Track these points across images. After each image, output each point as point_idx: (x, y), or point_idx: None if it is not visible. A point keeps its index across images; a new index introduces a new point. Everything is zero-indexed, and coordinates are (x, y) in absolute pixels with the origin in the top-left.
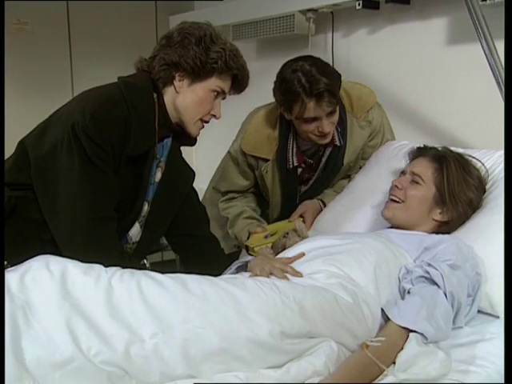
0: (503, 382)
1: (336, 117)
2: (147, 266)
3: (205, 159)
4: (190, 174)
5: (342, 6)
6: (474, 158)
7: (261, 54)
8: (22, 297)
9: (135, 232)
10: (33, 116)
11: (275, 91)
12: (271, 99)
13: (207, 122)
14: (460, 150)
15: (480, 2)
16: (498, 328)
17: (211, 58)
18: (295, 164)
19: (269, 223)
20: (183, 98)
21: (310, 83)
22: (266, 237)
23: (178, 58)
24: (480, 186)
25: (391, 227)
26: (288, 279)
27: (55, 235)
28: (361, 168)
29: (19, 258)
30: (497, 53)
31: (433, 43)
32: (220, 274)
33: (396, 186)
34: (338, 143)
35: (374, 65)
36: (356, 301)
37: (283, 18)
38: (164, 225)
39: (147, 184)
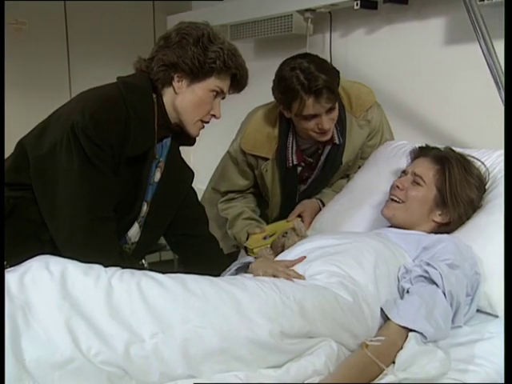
0: (502, 381)
1: (335, 113)
2: (145, 266)
3: (203, 159)
4: (190, 174)
5: (340, 5)
6: (474, 158)
7: (259, 54)
8: (22, 297)
9: (134, 232)
10: (30, 116)
11: (274, 90)
12: (270, 99)
13: (207, 122)
14: (458, 150)
15: (478, 2)
16: (497, 327)
17: (209, 57)
18: (295, 162)
19: (268, 223)
20: (182, 98)
21: (308, 80)
22: (264, 238)
23: (176, 58)
24: (481, 185)
25: (390, 226)
26: (293, 282)
27: (54, 235)
28: (360, 168)
29: (18, 259)
30: (495, 53)
31: (431, 43)
32: (219, 275)
33: (397, 187)
34: (337, 141)
35: (371, 65)
36: (356, 300)
37: (281, 18)
38: (163, 225)
39: (146, 184)
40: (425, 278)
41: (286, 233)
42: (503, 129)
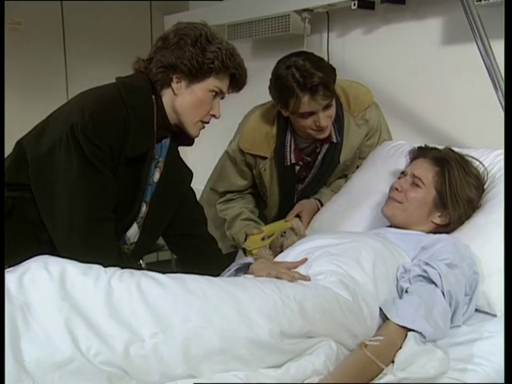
0: (501, 380)
1: (332, 110)
2: (143, 266)
3: (201, 159)
4: (188, 174)
5: (338, 6)
6: (472, 157)
7: (256, 54)
8: (21, 298)
9: (133, 233)
10: (27, 116)
11: (271, 88)
12: (267, 99)
13: (207, 122)
14: (456, 150)
15: (475, 2)
16: (496, 326)
17: (208, 58)
18: (293, 161)
19: (266, 223)
20: (182, 99)
21: (303, 78)
22: (263, 239)
23: (174, 59)
24: (479, 185)
25: (389, 226)
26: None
27: (53, 236)
28: (358, 167)
29: (17, 259)
30: (492, 53)
31: (428, 43)
32: (218, 275)
33: (396, 189)
34: (334, 140)
35: (369, 65)
36: (355, 299)
37: (278, 18)
38: (162, 225)
39: (145, 185)
40: (424, 277)
41: (285, 232)
42: (500, 129)
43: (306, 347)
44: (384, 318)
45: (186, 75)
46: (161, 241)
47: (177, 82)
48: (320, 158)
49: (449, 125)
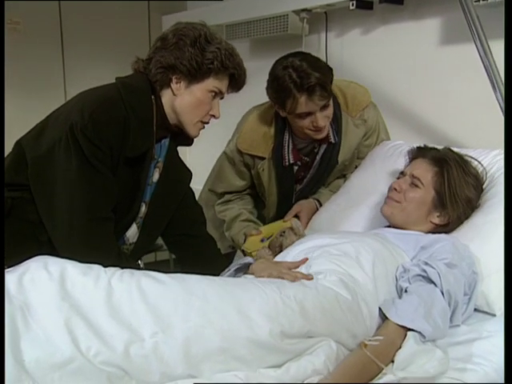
0: (500, 380)
1: (330, 111)
2: (141, 266)
3: (199, 160)
4: (188, 174)
5: (336, 6)
6: (471, 157)
7: (254, 54)
8: (21, 298)
9: (132, 233)
10: (25, 116)
11: (268, 89)
12: (265, 99)
13: (207, 122)
14: (455, 150)
15: (474, 3)
16: (495, 326)
17: (207, 58)
18: (291, 161)
19: (265, 223)
20: (181, 100)
21: (300, 78)
22: (262, 240)
23: (173, 60)
24: (478, 185)
25: (388, 226)
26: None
27: (52, 236)
28: (356, 168)
29: (16, 259)
30: (491, 53)
31: (426, 43)
32: (218, 275)
33: (395, 189)
34: (332, 140)
35: (367, 65)
36: (355, 299)
37: (277, 18)
38: (161, 226)
39: (145, 185)
40: (423, 277)
41: (284, 232)
42: (499, 128)
43: (306, 347)
44: (383, 317)
45: (186, 76)
46: (159, 241)
47: (176, 83)
48: (318, 158)
49: (447, 125)
